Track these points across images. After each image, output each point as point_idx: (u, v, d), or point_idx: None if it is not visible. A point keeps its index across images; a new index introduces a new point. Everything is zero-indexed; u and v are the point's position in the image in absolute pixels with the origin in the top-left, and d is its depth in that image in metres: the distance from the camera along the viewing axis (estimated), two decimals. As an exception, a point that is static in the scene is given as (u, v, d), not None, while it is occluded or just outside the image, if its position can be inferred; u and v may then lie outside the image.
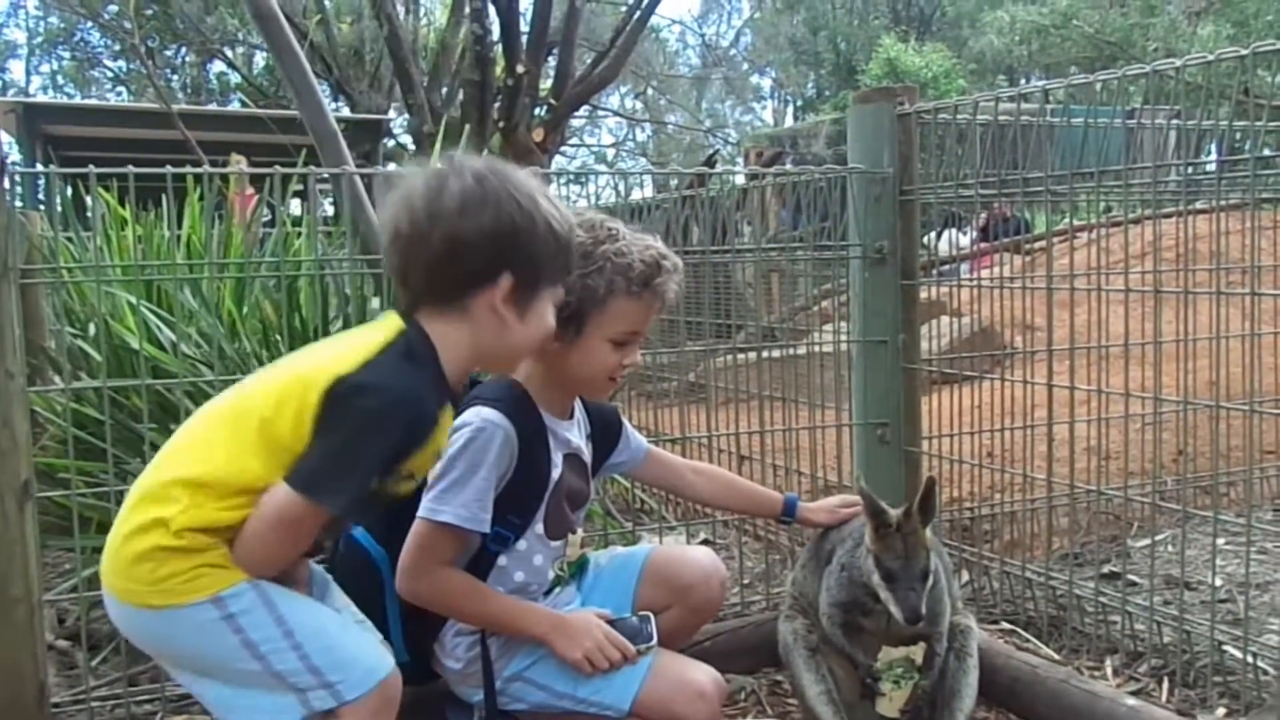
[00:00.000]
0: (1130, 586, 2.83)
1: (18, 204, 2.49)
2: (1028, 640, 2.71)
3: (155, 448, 2.60)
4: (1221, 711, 2.28)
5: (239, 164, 3.60)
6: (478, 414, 1.94)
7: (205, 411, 1.67)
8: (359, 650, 1.62)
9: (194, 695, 1.68)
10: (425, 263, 1.62)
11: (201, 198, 3.23)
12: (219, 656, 1.55)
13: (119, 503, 2.58)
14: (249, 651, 1.54)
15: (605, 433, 2.24)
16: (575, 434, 2.13)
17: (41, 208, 3.31)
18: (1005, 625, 2.80)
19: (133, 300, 2.84)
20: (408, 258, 1.64)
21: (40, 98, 26.05)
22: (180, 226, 3.11)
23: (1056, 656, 2.59)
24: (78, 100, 26.36)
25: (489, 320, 1.65)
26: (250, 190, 5.01)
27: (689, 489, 2.44)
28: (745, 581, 3.01)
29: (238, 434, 1.56)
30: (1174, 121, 2.94)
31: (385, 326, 1.66)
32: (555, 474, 2.04)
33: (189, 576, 1.52)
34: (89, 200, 2.66)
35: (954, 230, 4.49)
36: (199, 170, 2.59)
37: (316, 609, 1.65)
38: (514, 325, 1.67)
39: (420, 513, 1.89)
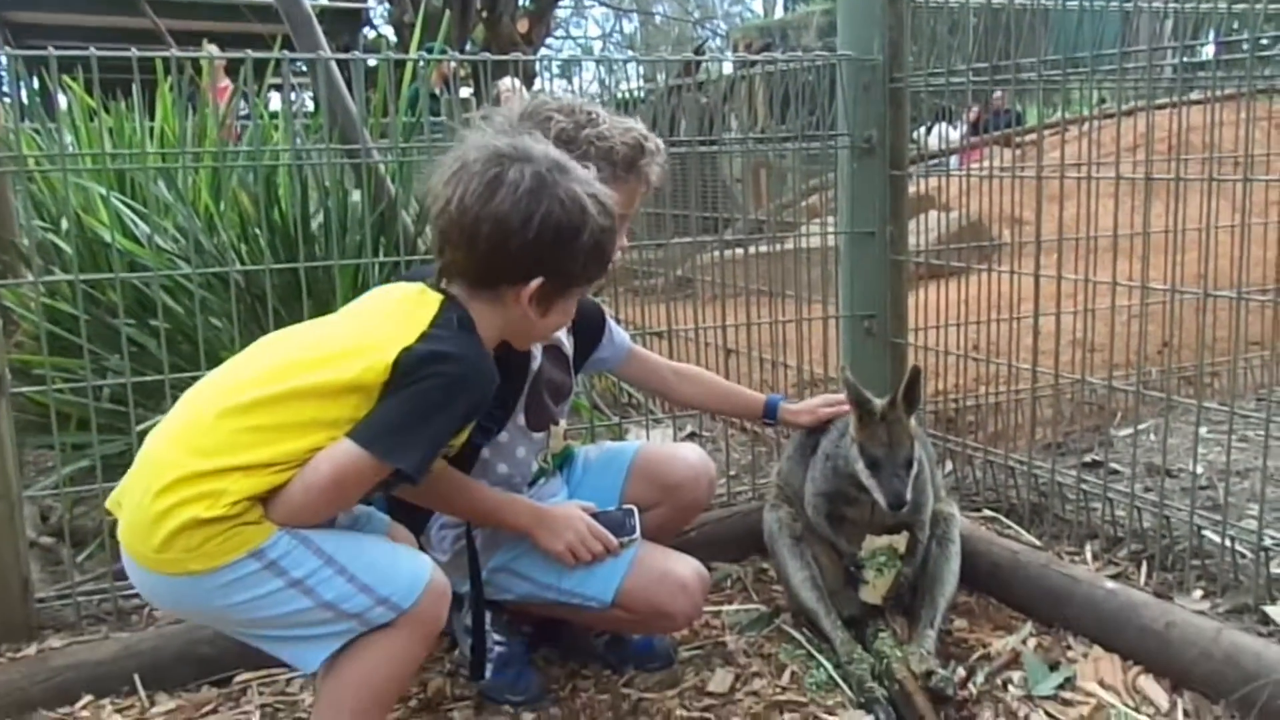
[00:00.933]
0: (1112, 474, 2.87)
1: (-19, 95, 2.43)
2: (1009, 527, 2.76)
3: (133, 343, 2.61)
4: (1198, 594, 2.33)
5: (210, 50, 3.52)
6: None
7: (224, 397, 1.61)
8: (399, 561, 1.64)
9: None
10: (467, 249, 1.66)
11: (173, 87, 3.16)
12: (268, 605, 1.57)
13: (98, 398, 2.62)
14: (297, 590, 1.56)
15: (587, 328, 2.24)
16: (556, 325, 2.13)
17: (5, 99, 3.23)
18: (988, 513, 2.85)
19: (104, 192, 2.80)
20: (450, 238, 1.68)
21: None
22: (152, 117, 3.05)
23: (1037, 542, 2.64)
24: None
25: (515, 310, 1.71)
26: (225, 82, 4.91)
27: (671, 391, 2.45)
28: (732, 473, 3.04)
29: (290, 415, 1.56)
30: (1171, 5, 2.90)
31: (423, 300, 1.69)
32: (534, 364, 2.05)
33: (225, 537, 1.52)
34: (54, 90, 2.59)
35: (944, 124, 4.45)
36: (166, 54, 2.52)
37: (348, 534, 1.67)
38: (535, 319, 1.72)
39: None
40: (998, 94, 3.50)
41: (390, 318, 1.67)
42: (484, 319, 1.70)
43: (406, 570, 1.62)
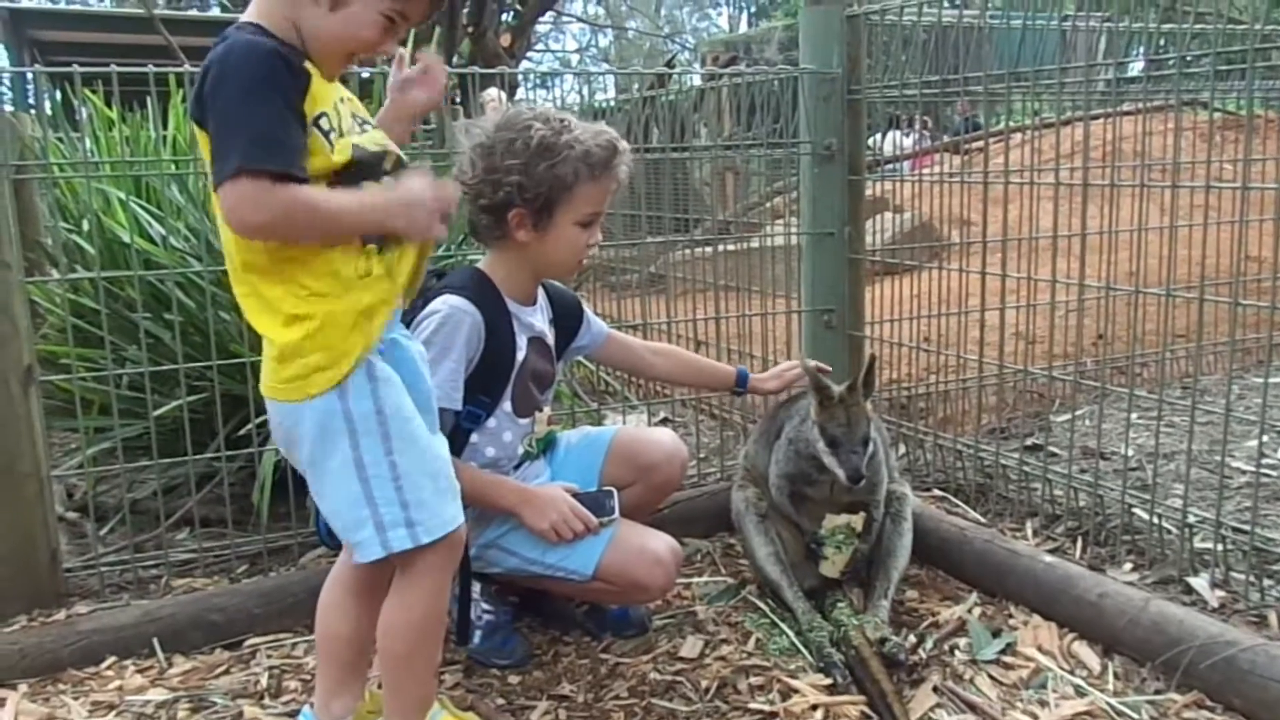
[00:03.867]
0: (1051, 457, 2.88)
1: (8, 107, 2.40)
2: (957, 506, 2.76)
3: (150, 335, 2.59)
4: (1128, 567, 2.34)
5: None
6: (445, 301, 1.94)
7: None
8: (442, 498, 1.59)
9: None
10: None
11: (184, 99, 3.12)
12: (334, 463, 1.54)
13: (118, 386, 2.60)
14: (357, 472, 1.53)
15: (567, 318, 2.24)
16: (538, 318, 2.13)
17: (32, 111, 3.19)
18: (937, 493, 2.85)
19: (122, 196, 2.77)
20: None
21: (26, 3, 25.03)
22: (166, 127, 3.02)
23: (983, 520, 2.65)
24: (63, 5, 25.32)
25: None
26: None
27: (649, 368, 2.44)
28: (702, 455, 3.03)
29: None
30: (1105, 24, 2.90)
31: None
32: (520, 355, 2.05)
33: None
34: (76, 103, 2.56)
35: (897, 132, 4.45)
36: (180, 69, 2.50)
37: (418, 439, 1.58)
38: (323, 10, 1.48)
39: None
40: (961, 103, 3.50)
41: None
42: (273, 11, 1.49)
43: (445, 511, 1.57)
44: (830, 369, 2.35)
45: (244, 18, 1.50)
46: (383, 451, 1.53)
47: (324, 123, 1.48)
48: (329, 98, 1.51)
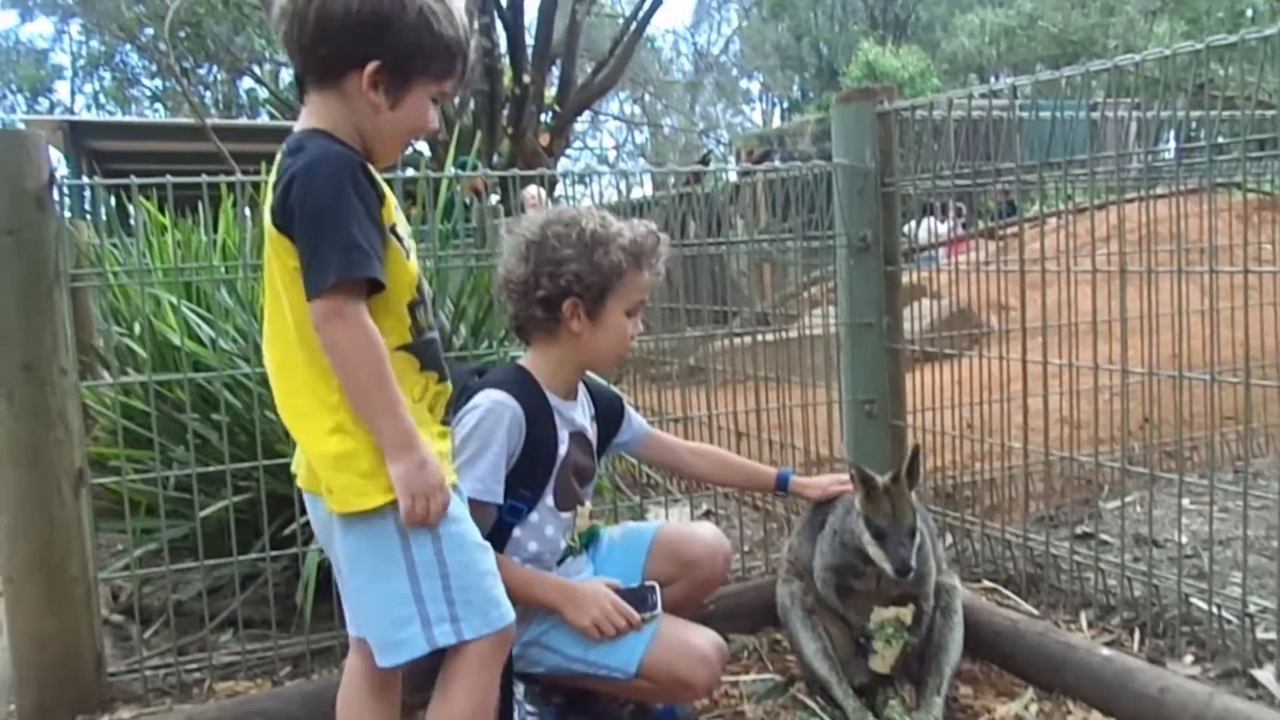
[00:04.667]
0: (1102, 545, 2.81)
1: (66, 214, 2.48)
2: (1008, 597, 2.70)
3: (198, 436, 2.62)
4: (1189, 659, 2.27)
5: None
6: (487, 396, 1.96)
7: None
8: (488, 595, 1.60)
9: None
10: (300, 41, 1.54)
11: (235, 204, 3.22)
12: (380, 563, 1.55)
13: (166, 487, 2.62)
14: (407, 572, 1.54)
15: (609, 415, 2.25)
16: (580, 414, 2.14)
17: (88, 217, 3.29)
18: (987, 584, 2.79)
19: (174, 300, 2.84)
20: (290, 36, 1.56)
21: (84, 115, 26.04)
22: (216, 231, 3.11)
23: (1035, 611, 2.58)
24: (118, 117, 26.31)
25: (361, 102, 1.56)
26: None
27: (688, 468, 2.44)
28: (745, 549, 3.00)
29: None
30: (1134, 113, 2.92)
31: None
32: (562, 450, 2.05)
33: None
34: (131, 209, 2.64)
35: (932, 219, 4.47)
36: (232, 179, 2.58)
37: (467, 541, 1.61)
38: (384, 111, 1.57)
39: None
40: (1001, 188, 3.52)
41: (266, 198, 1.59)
42: (335, 117, 1.56)
43: (491, 609, 1.59)
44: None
45: (305, 124, 1.57)
46: (433, 552, 1.54)
47: (399, 230, 1.57)
48: (394, 204, 1.59)
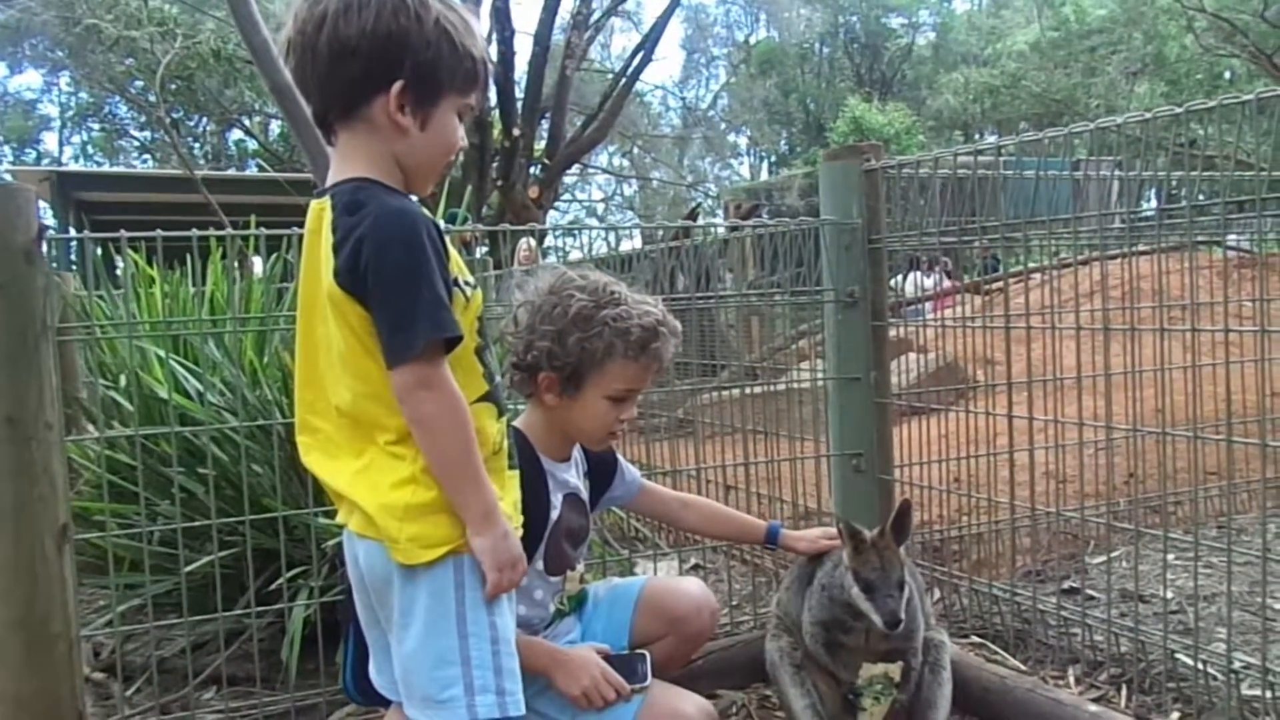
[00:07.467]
0: (1089, 601, 2.83)
1: (53, 266, 2.50)
2: (996, 652, 2.70)
3: (184, 490, 2.61)
4: (1176, 715, 2.27)
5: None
6: None
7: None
8: (518, 672, 1.58)
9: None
10: (317, 74, 1.50)
11: (224, 257, 3.24)
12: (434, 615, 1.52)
13: (150, 542, 2.61)
14: (458, 627, 1.51)
15: (601, 470, 2.25)
16: (573, 474, 2.14)
17: (75, 269, 3.31)
18: (975, 639, 2.79)
19: (161, 353, 2.84)
20: (303, 72, 1.52)
21: (72, 166, 26.15)
22: (204, 284, 3.12)
23: (1023, 667, 2.58)
24: (106, 168, 26.41)
25: (390, 128, 1.51)
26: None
27: (679, 520, 2.44)
28: (734, 603, 2.99)
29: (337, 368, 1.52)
30: (1116, 172, 2.98)
31: (321, 212, 1.53)
32: (554, 514, 2.05)
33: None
34: (119, 261, 2.66)
35: (918, 273, 4.53)
36: (220, 233, 2.60)
37: (507, 610, 1.59)
38: (415, 134, 1.52)
39: None
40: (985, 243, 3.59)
41: (311, 250, 1.54)
42: (373, 154, 1.52)
43: (522, 685, 1.57)
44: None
45: (343, 172, 1.53)
46: (485, 610, 1.52)
47: (461, 280, 1.55)
48: (455, 255, 1.58)
